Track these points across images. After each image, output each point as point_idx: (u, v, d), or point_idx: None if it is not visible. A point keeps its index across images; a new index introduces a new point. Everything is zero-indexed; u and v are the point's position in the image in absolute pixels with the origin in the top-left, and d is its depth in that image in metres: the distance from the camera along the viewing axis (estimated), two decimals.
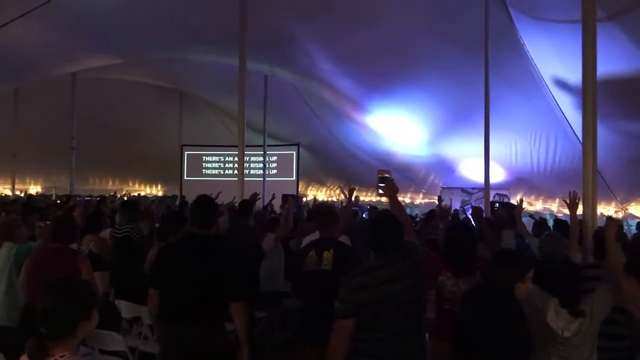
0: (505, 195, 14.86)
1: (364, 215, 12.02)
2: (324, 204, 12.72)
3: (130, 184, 23.18)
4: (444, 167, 16.32)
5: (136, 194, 20.54)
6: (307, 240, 4.94)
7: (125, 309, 5.41)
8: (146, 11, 11.71)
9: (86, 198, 14.37)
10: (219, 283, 3.53)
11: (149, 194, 22.57)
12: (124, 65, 16.25)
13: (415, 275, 3.16)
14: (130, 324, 5.58)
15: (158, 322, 3.85)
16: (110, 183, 22.59)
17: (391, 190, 3.76)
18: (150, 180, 23.62)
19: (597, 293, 3.31)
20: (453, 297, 3.89)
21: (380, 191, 3.33)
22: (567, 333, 3.14)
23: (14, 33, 11.67)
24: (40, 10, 10.71)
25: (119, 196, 14.20)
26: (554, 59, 10.26)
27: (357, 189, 20.52)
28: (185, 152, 21.75)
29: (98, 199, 12.18)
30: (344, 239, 4.61)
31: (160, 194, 23.11)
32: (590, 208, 4.70)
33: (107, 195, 14.13)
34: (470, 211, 12.96)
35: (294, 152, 20.97)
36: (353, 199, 6.72)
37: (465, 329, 3.24)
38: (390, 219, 3.27)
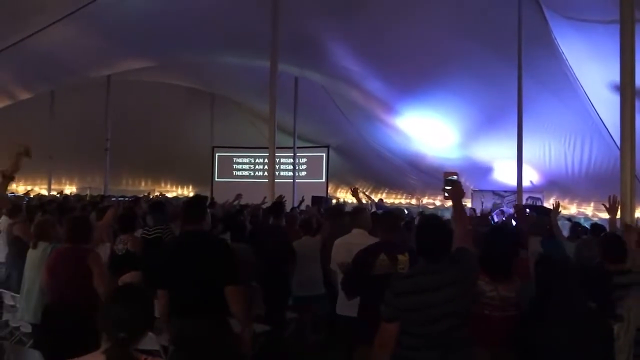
0: (539, 199, 14.61)
1: None
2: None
3: (162, 184, 23.50)
4: (476, 169, 16.14)
5: (167, 195, 20.79)
6: (341, 242, 4.89)
7: (159, 308, 5.47)
8: (180, 15, 11.90)
9: (119, 198, 14.61)
10: (215, 275, 3.69)
11: (181, 195, 22.84)
12: (156, 68, 16.54)
13: (465, 283, 3.09)
14: None
15: (169, 320, 3.96)
16: (143, 184, 22.94)
17: (457, 195, 3.61)
18: (182, 182, 23.91)
19: (632, 298, 3.25)
20: (493, 303, 3.83)
21: (446, 194, 3.28)
22: None
23: (52, 37, 11.96)
24: (77, 15, 10.96)
25: (151, 197, 14.41)
26: (589, 59, 10.06)
27: (386, 190, 20.41)
28: (216, 154, 21.93)
29: (131, 199, 12.38)
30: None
31: (191, 194, 23.37)
32: (629, 213, 4.60)
33: (141, 195, 14.35)
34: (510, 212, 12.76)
35: (324, 154, 20.97)
36: (377, 200, 6.86)
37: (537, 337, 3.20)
38: (439, 224, 3.20)
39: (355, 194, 6.75)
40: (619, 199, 4.73)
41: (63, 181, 20.96)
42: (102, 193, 16.87)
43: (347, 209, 8.81)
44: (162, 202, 9.21)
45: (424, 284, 3.02)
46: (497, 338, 3.63)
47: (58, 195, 15.68)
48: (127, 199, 13.62)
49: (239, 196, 10.73)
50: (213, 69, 16.94)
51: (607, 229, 5.17)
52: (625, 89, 4.75)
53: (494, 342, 3.69)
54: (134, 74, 16.85)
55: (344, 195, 23.01)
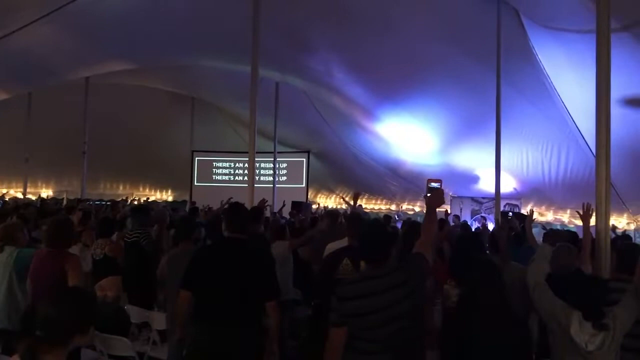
0: (516, 206, 14.78)
1: None
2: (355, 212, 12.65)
3: (141, 189, 23.25)
4: (455, 176, 16.25)
5: (145, 199, 20.58)
6: (332, 247, 4.90)
7: (135, 314, 5.42)
8: (161, 18, 11.82)
9: (96, 202, 14.44)
10: (253, 285, 3.72)
11: (159, 199, 22.64)
12: (137, 71, 16.38)
13: (411, 285, 3.06)
14: (139, 329, 5.59)
15: (189, 322, 3.90)
16: (121, 188, 22.68)
17: (434, 202, 3.54)
18: (161, 186, 23.70)
19: (620, 306, 3.27)
20: (456, 306, 3.87)
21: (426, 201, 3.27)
22: (590, 347, 3.11)
23: (30, 37, 11.78)
24: (56, 15, 10.81)
25: (129, 201, 14.25)
26: (566, 68, 10.20)
27: (366, 196, 20.52)
28: (196, 158, 21.81)
29: (109, 203, 12.26)
30: None
31: (170, 199, 23.19)
32: (604, 221, 4.65)
33: (119, 199, 14.21)
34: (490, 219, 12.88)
35: (304, 159, 20.98)
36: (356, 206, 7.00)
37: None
38: (381, 227, 3.27)
39: (355, 198, 6.95)
40: (592, 206, 4.80)
41: (39, 184, 20.62)
42: (79, 197, 16.65)
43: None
44: (144, 206, 9.17)
45: (367, 289, 3.04)
46: None
47: (35, 199, 15.44)
48: (104, 203, 13.48)
49: (229, 200, 10.63)
50: (194, 73, 16.84)
51: (580, 236, 5.25)
52: (600, 97, 4.81)
53: None
54: (113, 77, 16.66)
55: (324, 201, 23.02)
